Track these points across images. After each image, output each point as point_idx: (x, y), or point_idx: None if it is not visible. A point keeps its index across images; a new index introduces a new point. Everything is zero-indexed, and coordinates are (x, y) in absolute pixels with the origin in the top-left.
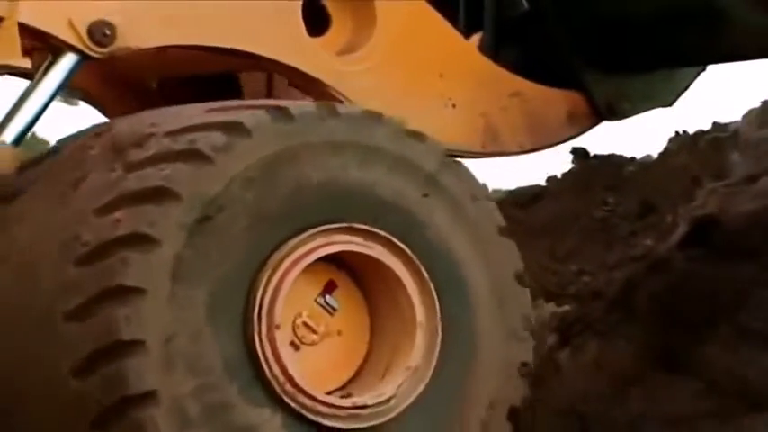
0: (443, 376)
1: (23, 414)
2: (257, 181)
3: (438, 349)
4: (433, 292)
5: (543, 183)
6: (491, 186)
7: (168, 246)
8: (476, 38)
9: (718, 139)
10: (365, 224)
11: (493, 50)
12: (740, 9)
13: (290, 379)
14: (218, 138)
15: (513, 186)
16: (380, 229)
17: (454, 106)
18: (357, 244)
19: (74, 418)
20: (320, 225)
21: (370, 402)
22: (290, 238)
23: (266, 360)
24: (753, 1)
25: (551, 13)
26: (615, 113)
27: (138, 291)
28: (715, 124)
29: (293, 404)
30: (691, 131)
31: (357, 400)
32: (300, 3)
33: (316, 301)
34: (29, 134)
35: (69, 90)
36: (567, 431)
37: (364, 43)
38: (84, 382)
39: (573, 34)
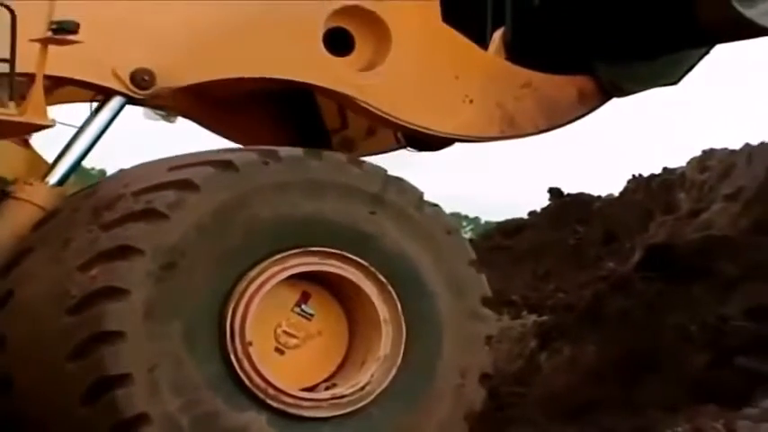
0: (413, 360)
1: (42, 375)
2: (211, 227)
3: (404, 339)
4: (393, 292)
5: (526, 216)
6: (484, 219)
7: (138, 293)
8: (499, 32)
9: (668, 180)
10: (320, 246)
11: (512, 42)
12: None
13: (270, 384)
14: (171, 196)
15: (501, 219)
16: (335, 248)
17: (471, 101)
18: (313, 264)
19: (77, 382)
20: (276, 254)
21: (346, 392)
22: (251, 268)
23: (244, 372)
24: None
25: (559, 7)
26: (622, 92)
27: (117, 333)
28: (665, 169)
29: (275, 404)
30: (645, 174)
31: (335, 391)
32: (321, 31)
33: (292, 311)
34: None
35: (168, 110)
36: (547, 417)
37: (383, 60)
38: (89, 409)
39: (579, 25)
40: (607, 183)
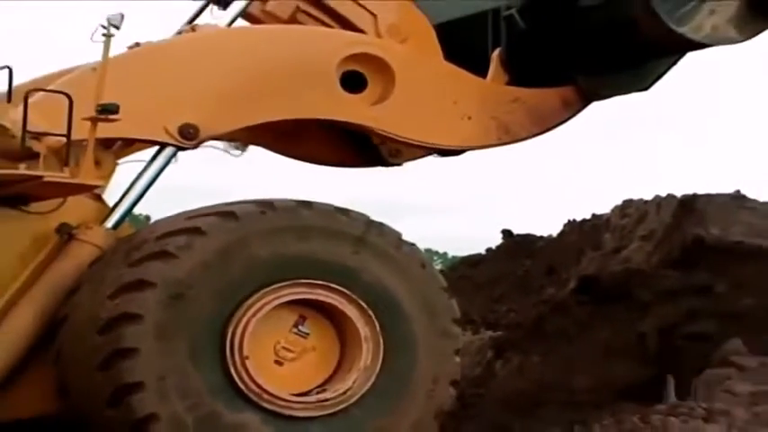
0: (391, 370)
1: (83, 382)
2: (214, 264)
3: (383, 353)
4: (372, 316)
5: (484, 252)
6: (451, 254)
7: (150, 318)
8: (496, 52)
9: (596, 224)
10: (309, 278)
11: (507, 59)
12: (645, 23)
13: (265, 390)
14: (181, 240)
15: (465, 254)
16: (322, 280)
17: (470, 118)
18: (303, 293)
19: (106, 386)
20: (270, 285)
21: (331, 396)
22: (248, 297)
23: (242, 381)
24: (651, 16)
25: (542, 30)
26: (600, 97)
27: (133, 350)
28: (593, 215)
29: (269, 406)
30: (578, 219)
31: (322, 395)
32: (337, 74)
33: (291, 330)
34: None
35: (237, 143)
36: (501, 413)
37: (390, 94)
38: (113, 411)
39: (558, 44)
40: (548, 225)
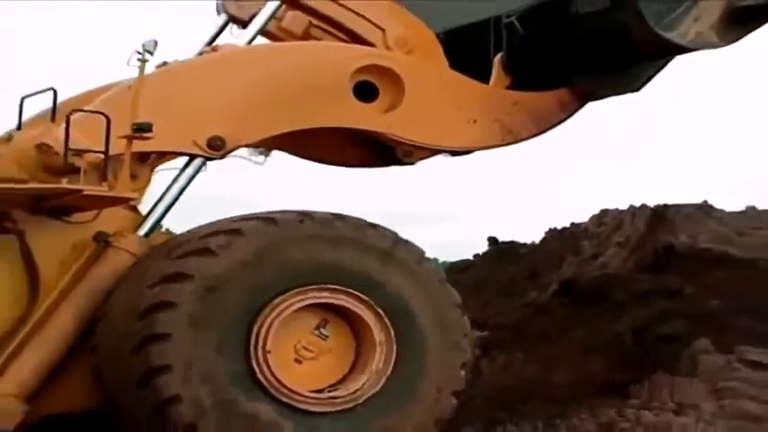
0: (400, 375)
1: (120, 377)
2: (250, 263)
3: (394, 359)
4: (389, 323)
5: (472, 258)
6: (442, 259)
7: (184, 307)
8: (498, 56)
9: (575, 232)
10: (334, 285)
11: (508, 63)
12: (636, 29)
13: (282, 384)
14: (222, 239)
15: (454, 259)
16: (346, 287)
17: (475, 122)
18: (326, 297)
19: (141, 413)
20: (297, 288)
21: (341, 394)
22: (276, 297)
23: (262, 373)
24: (640, 23)
25: (540, 36)
26: (597, 97)
27: (166, 335)
28: (572, 223)
29: (284, 399)
30: (559, 227)
31: (334, 393)
32: (350, 85)
33: (312, 332)
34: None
35: (261, 149)
36: (488, 407)
37: (400, 102)
38: (143, 391)
39: (555, 48)
40: (530, 233)
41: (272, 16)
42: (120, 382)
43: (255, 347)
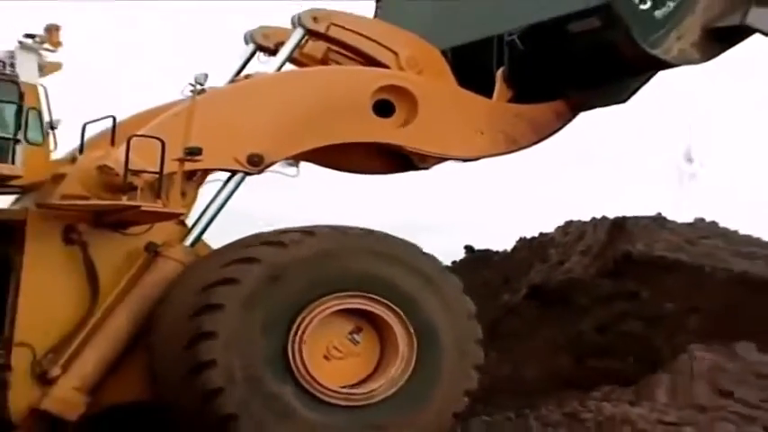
0: (416, 381)
1: (167, 377)
2: (313, 261)
3: (413, 366)
4: (414, 340)
5: (450, 264)
6: None
7: (245, 286)
8: (500, 71)
9: (543, 241)
10: (376, 295)
11: (509, 76)
12: (624, 45)
13: (308, 372)
14: (295, 236)
15: None
16: (386, 299)
17: (482, 133)
18: (365, 304)
19: (185, 374)
20: (344, 291)
21: (358, 392)
22: (324, 296)
23: (293, 359)
24: (629, 40)
25: (538, 52)
26: (589, 107)
27: (219, 306)
28: (541, 233)
29: (306, 386)
30: (528, 237)
31: (352, 390)
32: (370, 103)
33: (346, 336)
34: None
35: (291, 162)
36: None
37: (415, 118)
38: (186, 353)
39: (551, 63)
40: (503, 242)
41: (298, 45)
42: (171, 347)
43: (294, 337)
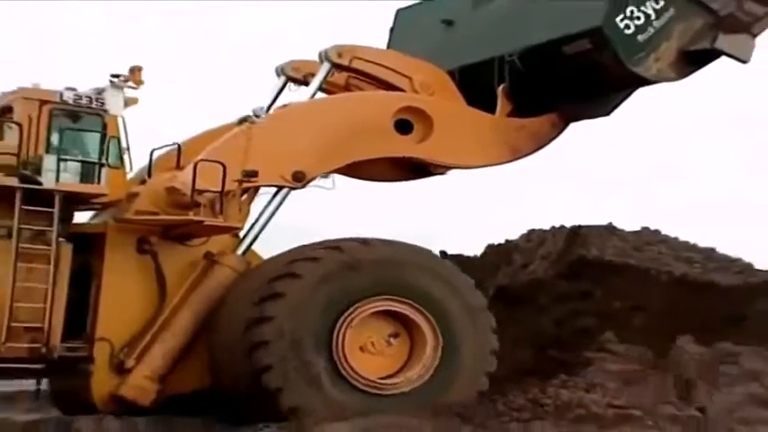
0: (442, 371)
1: (228, 360)
2: (365, 265)
3: (439, 359)
4: (438, 333)
5: None
6: None
7: (307, 279)
8: (501, 88)
9: (509, 247)
10: (410, 300)
11: (510, 93)
12: (611, 64)
13: (347, 360)
14: (353, 244)
15: None
16: (418, 303)
17: (490, 145)
18: (400, 307)
19: (243, 353)
20: (384, 294)
21: (388, 383)
22: (369, 297)
23: (336, 348)
24: (615, 59)
25: (535, 72)
26: (577, 119)
27: (282, 295)
28: (506, 240)
29: (344, 372)
30: (495, 243)
31: (383, 380)
32: (392, 123)
33: (384, 338)
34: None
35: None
36: None
37: (431, 134)
38: (244, 336)
39: (547, 81)
40: (473, 248)
41: (326, 77)
42: (233, 332)
43: (338, 330)
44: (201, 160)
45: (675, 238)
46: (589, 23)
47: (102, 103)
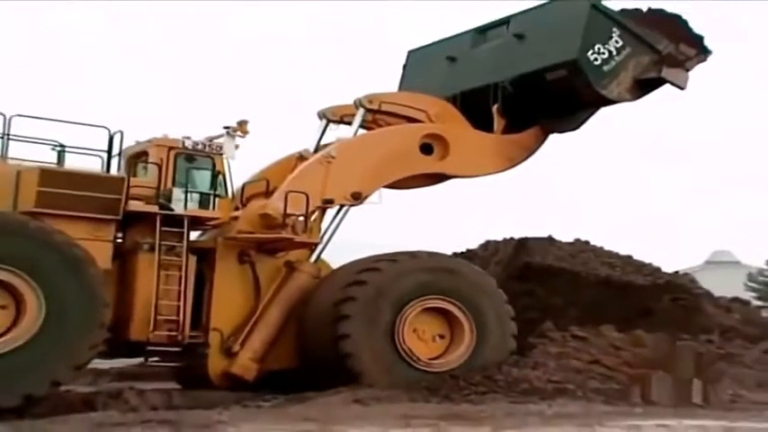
0: (474, 355)
1: (315, 337)
2: (408, 275)
3: (474, 344)
4: (472, 321)
5: None
6: None
7: (371, 287)
8: (495, 107)
9: (468, 255)
10: (447, 296)
11: (503, 111)
12: (583, 88)
13: (404, 341)
14: (405, 257)
15: None
16: (458, 301)
17: (492, 157)
18: (443, 304)
19: (329, 337)
20: (430, 295)
21: (435, 363)
22: (419, 297)
23: (397, 332)
24: (587, 84)
25: (522, 93)
26: (554, 132)
27: (353, 299)
28: (467, 249)
29: (399, 349)
30: (459, 251)
31: (428, 360)
32: (418, 146)
33: (433, 336)
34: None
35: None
36: None
37: (448, 153)
38: (329, 328)
39: (532, 101)
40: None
41: (363, 119)
42: (321, 339)
43: (401, 319)
44: (290, 192)
45: (601, 248)
46: (567, 56)
47: (220, 148)
